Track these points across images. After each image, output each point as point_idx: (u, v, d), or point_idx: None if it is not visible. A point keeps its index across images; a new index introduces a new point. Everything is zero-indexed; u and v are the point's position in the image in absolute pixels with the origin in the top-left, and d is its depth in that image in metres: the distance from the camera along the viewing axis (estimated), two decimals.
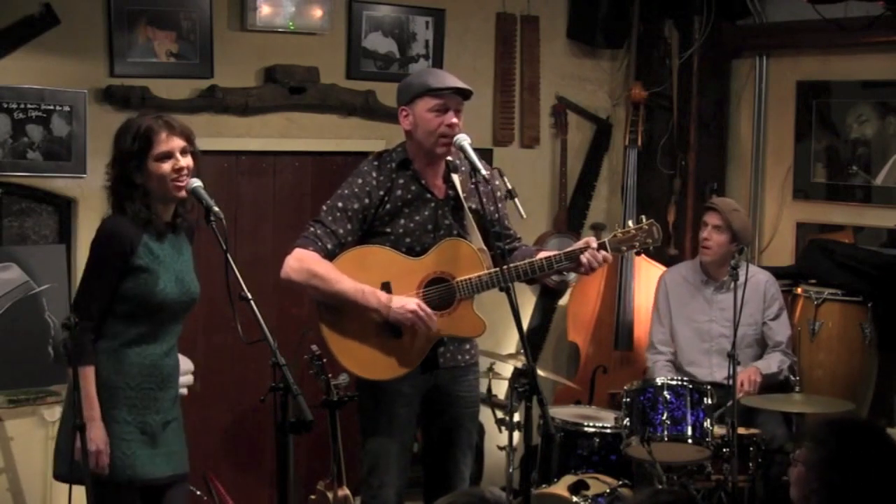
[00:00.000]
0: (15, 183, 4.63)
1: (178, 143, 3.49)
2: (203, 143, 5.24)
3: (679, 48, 6.20)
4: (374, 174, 3.93)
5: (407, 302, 3.80)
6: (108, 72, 4.76)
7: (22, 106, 4.53)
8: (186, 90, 4.95)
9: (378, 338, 3.88)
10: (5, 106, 4.50)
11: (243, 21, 5.05)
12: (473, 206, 3.90)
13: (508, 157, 5.84)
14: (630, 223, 3.95)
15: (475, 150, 3.80)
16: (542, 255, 3.92)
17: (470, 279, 3.85)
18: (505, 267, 3.76)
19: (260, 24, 5.04)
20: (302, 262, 3.84)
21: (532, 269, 3.84)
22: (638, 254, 4.00)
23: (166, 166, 3.46)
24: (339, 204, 3.90)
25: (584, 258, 3.82)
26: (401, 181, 3.92)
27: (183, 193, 3.50)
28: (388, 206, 3.90)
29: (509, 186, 3.65)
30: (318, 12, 5.17)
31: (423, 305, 3.81)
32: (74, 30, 4.67)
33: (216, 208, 3.40)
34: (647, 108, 6.09)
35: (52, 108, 4.59)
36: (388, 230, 3.90)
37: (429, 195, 3.93)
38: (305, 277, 3.83)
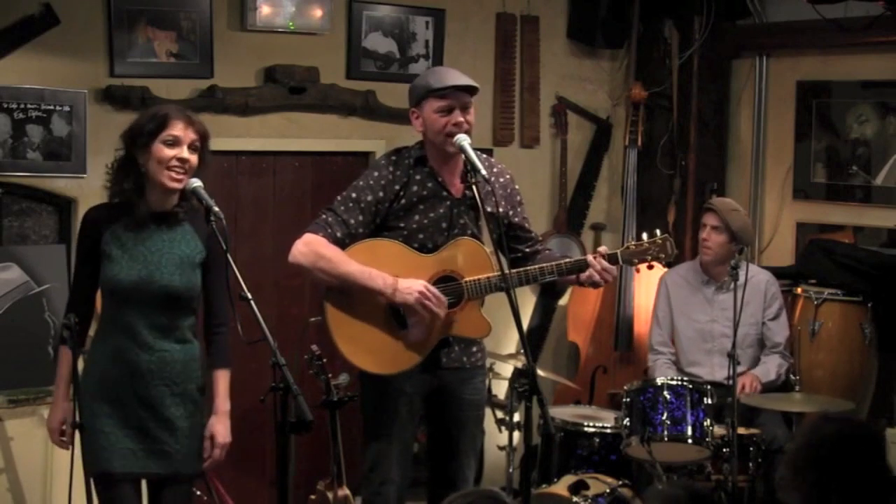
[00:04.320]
0: (15, 183, 4.63)
1: (190, 135, 3.48)
2: None
3: (679, 48, 6.20)
4: (391, 168, 3.93)
5: (414, 284, 3.78)
6: (108, 72, 4.76)
7: (22, 106, 4.53)
8: (186, 90, 4.95)
9: (383, 328, 3.87)
10: (5, 106, 4.50)
11: (243, 21, 5.05)
12: (490, 209, 3.89)
13: (508, 157, 5.84)
14: (644, 236, 3.95)
15: (476, 150, 3.80)
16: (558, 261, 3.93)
17: (479, 280, 3.84)
18: (512, 271, 3.76)
19: (260, 24, 5.04)
20: (310, 245, 3.83)
21: (541, 273, 3.85)
22: (650, 267, 3.99)
23: (170, 152, 3.45)
24: (354, 195, 3.90)
25: (591, 258, 3.83)
26: (417, 177, 3.92)
27: (176, 185, 3.46)
28: (403, 200, 3.89)
29: None
30: (318, 12, 5.17)
31: (431, 287, 3.79)
32: (74, 30, 4.67)
33: (216, 208, 3.40)
34: (647, 108, 6.09)
35: (52, 108, 4.59)
36: (402, 225, 3.90)
37: (445, 193, 3.93)
38: (312, 260, 3.82)
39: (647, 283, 5.70)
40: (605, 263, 3.84)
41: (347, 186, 3.95)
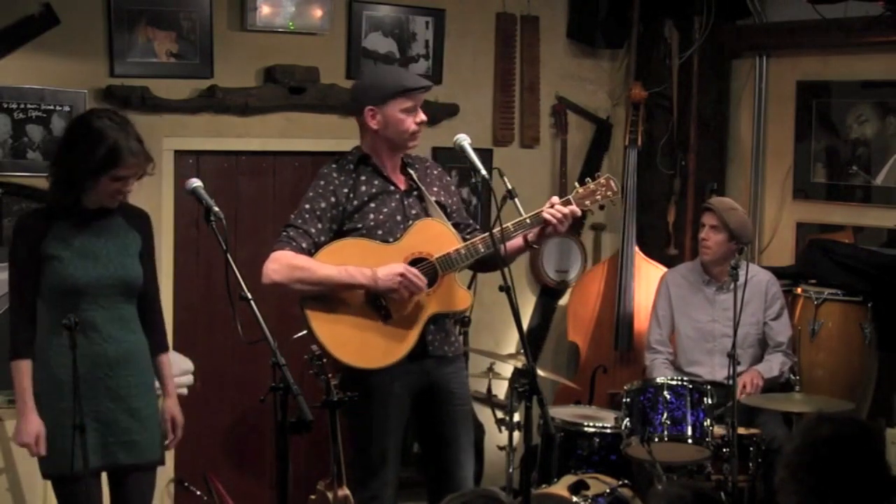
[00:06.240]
0: (15, 183, 4.63)
1: (136, 171, 3.54)
2: (203, 143, 5.24)
3: (679, 48, 6.20)
4: (336, 175, 3.97)
5: (393, 268, 3.81)
6: (108, 72, 4.76)
7: (22, 106, 4.53)
8: (186, 90, 4.95)
9: (367, 322, 3.87)
10: (5, 106, 4.50)
11: (243, 21, 5.05)
12: (434, 199, 3.97)
13: (508, 157, 5.84)
14: (588, 180, 4.01)
15: (475, 150, 3.82)
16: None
17: (449, 254, 3.88)
18: (479, 237, 3.86)
19: (260, 24, 5.04)
20: (279, 261, 3.85)
21: (506, 233, 3.85)
22: (601, 208, 4.04)
23: (117, 185, 3.52)
24: (307, 206, 3.93)
25: (546, 213, 3.86)
26: (363, 177, 3.95)
27: (114, 206, 3.58)
28: (355, 202, 3.92)
29: (509, 186, 3.65)
30: (318, 12, 5.17)
31: (409, 268, 3.82)
32: (74, 30, 4.67)
33: (216, 208, 3.39)
34: (647, 108, 6.09)
35: (52, 108, 4.59)
36: (360, 225, 3.92)
37: (392, 187, 3.97)
38: (287, 273, 3.83)
39: (647, 283, 5.70)
40: (563, 208, 3.88)
41: (299, 202, 3.97)
